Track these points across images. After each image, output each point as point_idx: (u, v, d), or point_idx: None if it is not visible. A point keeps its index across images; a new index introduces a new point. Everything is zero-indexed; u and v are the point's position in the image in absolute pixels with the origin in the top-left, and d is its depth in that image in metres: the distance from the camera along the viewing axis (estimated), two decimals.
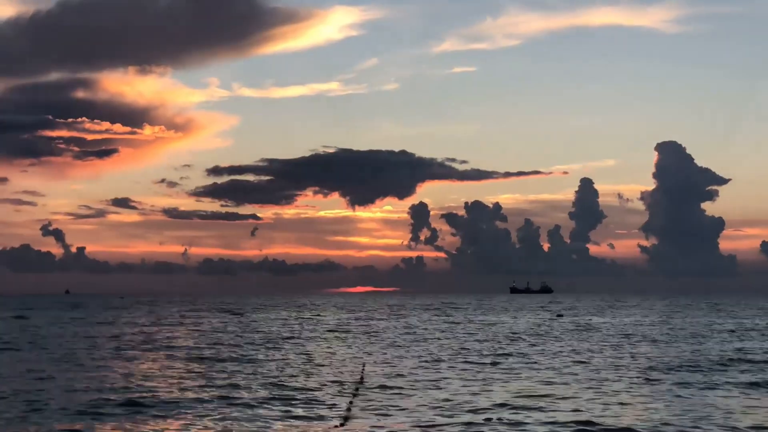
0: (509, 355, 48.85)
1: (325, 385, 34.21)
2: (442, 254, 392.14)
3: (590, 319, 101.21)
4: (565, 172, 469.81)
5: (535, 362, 44.16)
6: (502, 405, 28.58)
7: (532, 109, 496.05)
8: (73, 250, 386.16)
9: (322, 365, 42.54)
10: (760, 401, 30.40)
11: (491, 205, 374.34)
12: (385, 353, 50.00)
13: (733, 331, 74.68)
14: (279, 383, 34.64)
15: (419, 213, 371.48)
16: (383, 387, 33.41)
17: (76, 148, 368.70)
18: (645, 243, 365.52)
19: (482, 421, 25.73)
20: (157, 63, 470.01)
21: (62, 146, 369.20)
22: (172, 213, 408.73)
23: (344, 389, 32.63)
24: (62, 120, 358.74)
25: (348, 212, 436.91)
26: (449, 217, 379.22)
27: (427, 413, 26.89)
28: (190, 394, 31.32)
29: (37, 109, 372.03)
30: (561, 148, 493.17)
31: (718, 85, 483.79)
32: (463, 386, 33.60)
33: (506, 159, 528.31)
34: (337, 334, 70.93)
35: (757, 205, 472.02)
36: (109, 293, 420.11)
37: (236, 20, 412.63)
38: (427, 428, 24.63)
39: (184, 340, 61.98)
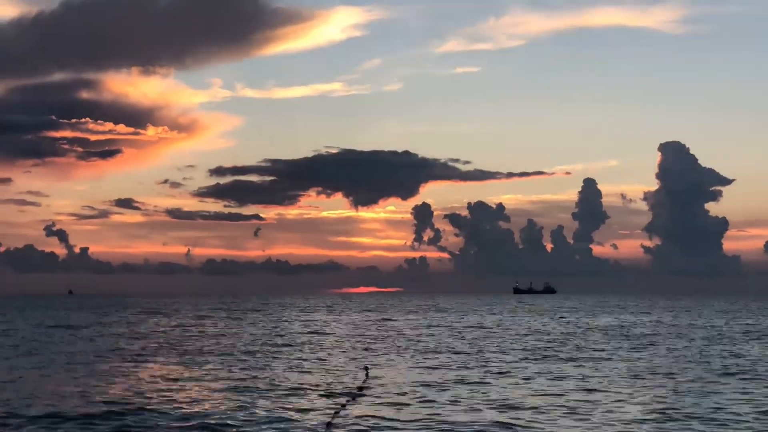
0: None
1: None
2: (445, 255, 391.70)
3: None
4: (568, 173, 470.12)
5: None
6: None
7: (535, 109, 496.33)
8: (77, 250, 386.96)
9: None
10: None
11: (494, 206, 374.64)
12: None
13: None
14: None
15: (422, 213, 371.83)
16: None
17: (79, 149, 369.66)
18: (648, 243, 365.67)
19: None
20: (161, 64, 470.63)
21: (66, 147, 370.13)
22: (176, 213, 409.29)
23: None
24: (66, 120, 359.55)
25: (351, 213, 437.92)
26: (452, 218, 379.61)
27: None
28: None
29: (41, 110, 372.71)
30: (564, 148, 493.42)
31: (722, 86, 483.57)
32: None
33: (509, 159, 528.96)
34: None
35: (761, 205, 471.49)
36: (113, 294, 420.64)
37: (239, 21, 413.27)
38: None
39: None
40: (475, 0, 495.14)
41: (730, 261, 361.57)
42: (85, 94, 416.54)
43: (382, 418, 26.57)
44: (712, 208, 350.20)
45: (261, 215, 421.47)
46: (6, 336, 69.33)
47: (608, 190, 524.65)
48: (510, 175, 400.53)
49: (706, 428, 25.48)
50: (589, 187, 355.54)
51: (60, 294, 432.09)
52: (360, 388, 32.65)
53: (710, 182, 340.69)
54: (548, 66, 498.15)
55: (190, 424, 25.94)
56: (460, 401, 29.92)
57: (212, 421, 26.17)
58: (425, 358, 46.58)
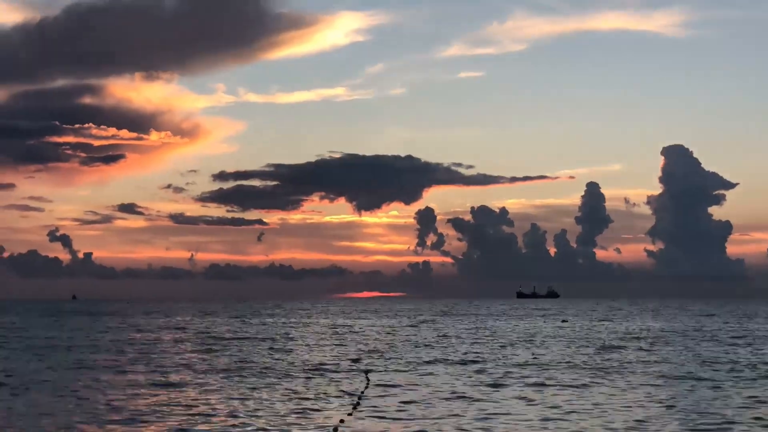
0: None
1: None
2: (448, 259, 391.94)
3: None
4: (572, 177, 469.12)
5: None
6: None
7: (538, 113, 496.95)
8: (80, 255, 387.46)
9: None
10: None
11: (498, 210, 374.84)
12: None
13: None
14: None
15: (426, 218, 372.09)
16: None
17: (82, 154, 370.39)
18: (652, 247, 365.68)
19: None
20: (164, 69, 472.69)
21: (69, 152, 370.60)
22: (179, 218, 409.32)
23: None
24: (69, 126, 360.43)
25: (354, 217, 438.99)
26: (455, 222, 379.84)
27: None
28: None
29: (44, 115, 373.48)
30: (567, 152, 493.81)
31: (725, 89, 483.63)
32: None
33: (512, 164, 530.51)
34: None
35: (765, 209, 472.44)
36: (116, 299, 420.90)
37: (242, 26, 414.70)
38: None
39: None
40: (479, 5, 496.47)
41: (734, 264, 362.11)
42: (88, 100, 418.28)
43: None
44: (716, 211, 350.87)
45: (264, 220, 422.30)
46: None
47: (611, 194, 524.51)
48: (513, 179, 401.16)
49: None
50: (593, 191, 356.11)
51: (64, 299, 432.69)
52: (360, 396, 32.60)
53: (713, 186, 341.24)
54: (551, 70, 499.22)
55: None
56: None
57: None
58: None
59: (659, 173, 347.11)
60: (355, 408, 29.89)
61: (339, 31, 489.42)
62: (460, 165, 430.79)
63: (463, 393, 33.79)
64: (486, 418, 27.72)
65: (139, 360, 50.42)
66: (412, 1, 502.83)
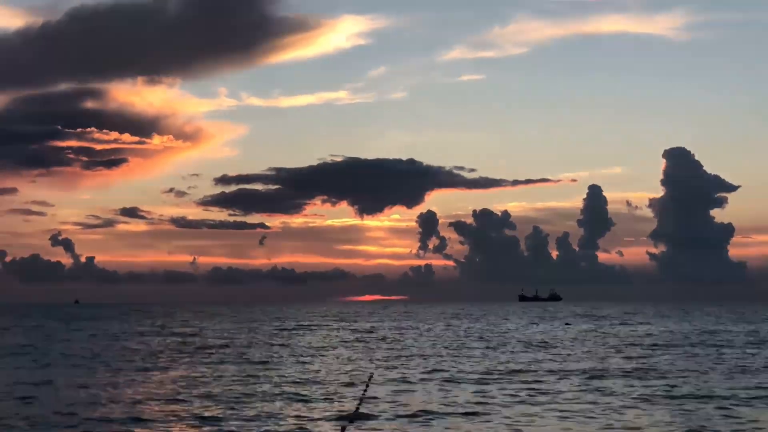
0: None
1: None
2: (450, 262, 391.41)
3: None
4: (574, 180, 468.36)
5: None
6: None
7: (540, 116, 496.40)
8: (83, 259, 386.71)
9: None
10: None
11: (499, 213, 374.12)
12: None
13: None
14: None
15: (427, 221, 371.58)
16: None
17: (85, 158, 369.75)
18: (654, 250, 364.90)
19: None
20: (166, 73, 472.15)
21: (71, 156, 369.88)
22: (181, 222, 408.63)
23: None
24: (71, 130, 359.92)
25: (356, 221, 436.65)
26: (457, 226, 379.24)
27: None
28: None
29: (46, 120, 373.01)
30: (569, 155, 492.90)
31: (727, 92, 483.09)
32: None
33: (514, 167, 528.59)
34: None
35: (767, 211, 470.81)
36: (119, 303, 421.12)
37: (244, 30, 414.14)
38: None
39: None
40: (480, 8, 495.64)
41: (736, 267, 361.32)
42: (90, 104, 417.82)
43: None
44: (718, 214, 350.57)
45: (266, 224, 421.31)
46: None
47: (613, 197, 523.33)
48: (515, 182, 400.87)
49: None
50: (594, 194, 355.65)
51: (66, 303, 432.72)
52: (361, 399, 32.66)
53: (715, 189, 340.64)
54: (553, 73, 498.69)
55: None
56: None
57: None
58: None
59: (661, 176, 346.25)
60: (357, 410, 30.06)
61: (341, 34, 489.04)
62: (462, 168, 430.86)
63: None
64: None
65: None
66: (414, 5, 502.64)
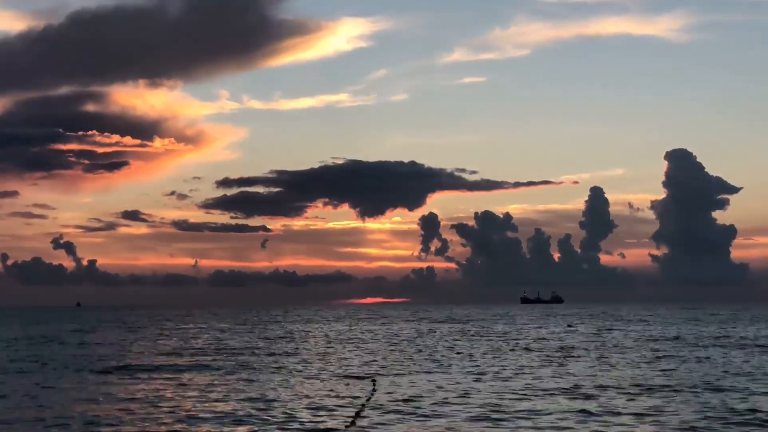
0: None
1: None
2: (452, 265, 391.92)
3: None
4: (575, 182, 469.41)
5: None
6: None
7: (541, 118, 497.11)
8: (85, 262, 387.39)
9: None
10: None
11: (501, 216, 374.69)
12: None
13: None
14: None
15: (429, 224, 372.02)
16: None
17: (86, 161, 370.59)
18: (656, 252, 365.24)
19: None
20: (168, 76, 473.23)
21: (73, 159, 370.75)
22: (182, 225, 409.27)
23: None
24: (73, 133, 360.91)
25: (358, 223, 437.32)
26: (459, 228, 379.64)
27: None
28: None
29: (48, 123, 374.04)
30: (571, 157, 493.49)
31: (729, 93, 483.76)
32: None
33: (516, 169, 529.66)
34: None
35: None
36: (121, 306, 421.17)
37: (245, 33, 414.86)
38: None
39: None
40: (481, 10, 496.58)
41: (738, 269, 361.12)
42: (91, 107, 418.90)
43: None
44: (720, 216, 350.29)
45: (268, 226, 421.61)
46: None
47: (615, 198, 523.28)
48: (517, 184, 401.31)
49: None
50: (596, 196, 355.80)
51: (68, 306, 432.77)
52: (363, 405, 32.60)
53: (717, 190, 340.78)
54: (554, 75, 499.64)
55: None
56: None
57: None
58: None
59: (663, 178, 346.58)
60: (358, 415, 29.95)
61: (341, 37, 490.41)
62: (463, 170, 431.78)
63: None
64: None
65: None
66: (414, 7, 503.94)
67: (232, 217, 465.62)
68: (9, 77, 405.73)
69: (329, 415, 29.85)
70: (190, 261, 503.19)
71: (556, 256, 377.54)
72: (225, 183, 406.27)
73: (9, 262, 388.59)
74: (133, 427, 27.78)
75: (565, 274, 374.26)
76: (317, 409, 31.48)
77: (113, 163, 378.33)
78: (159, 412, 31.00)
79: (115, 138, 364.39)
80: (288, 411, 31.00)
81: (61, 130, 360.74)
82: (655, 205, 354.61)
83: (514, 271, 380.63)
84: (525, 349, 64.70)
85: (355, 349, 66.26)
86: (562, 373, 44.37)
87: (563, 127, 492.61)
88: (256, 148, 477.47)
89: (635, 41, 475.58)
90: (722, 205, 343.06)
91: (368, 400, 33.53)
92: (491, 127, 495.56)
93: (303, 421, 28.72)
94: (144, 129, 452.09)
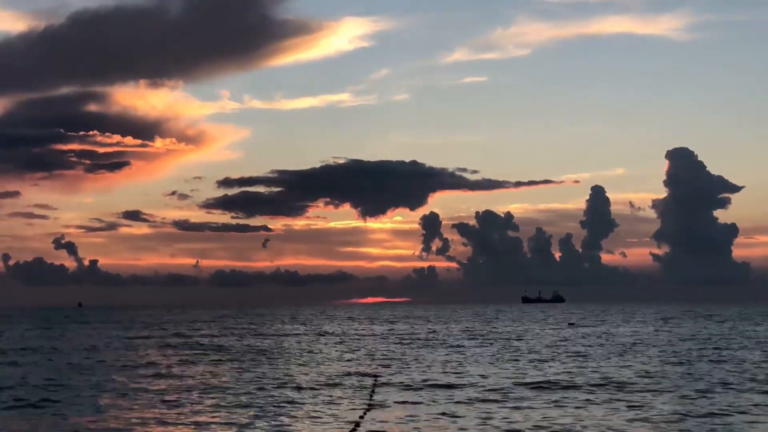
0: None
1: None
2: (453, 264, 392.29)
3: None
4: (576, 181, 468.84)
5: None
6: None
7: (542, 118, 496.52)
8: (86, 263, 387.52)
9: None
10: None
11: (502, 215, 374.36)
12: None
13: None
14: None
15: (430, 223, 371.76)
16: None
17: (87, 162, 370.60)
18: (657, 251, 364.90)
19: None
20: (169, 76, 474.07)
21: (74, 159, 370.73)
22: (183, 225, 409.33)
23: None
24: (74, 133, 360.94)
25: (359, 223, 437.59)
26: (460, 227, 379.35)
27: None
28: None
29: (49, 123, 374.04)
30: (572, 157, 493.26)
31: (730, 93, 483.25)
32: None
33: (517, 168, 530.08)
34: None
35: None
36: (122, 306, 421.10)
37: (247, 33, 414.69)
38: None
39: None
40: (482, 10, 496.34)
41: (740, 268, 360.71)
42: (93, 107, 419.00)
43: None
44: (721, 215, 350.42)
45: (269, 226, 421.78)
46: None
47: (616, 198, 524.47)
48: (518, 184, 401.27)
49: None
50: (597, 195, 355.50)
51: (70, 306, 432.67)
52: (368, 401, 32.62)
53: (719, 189, 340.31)
54: (555, 75, 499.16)
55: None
56: None
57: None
58: None
59: (664, 177, 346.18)
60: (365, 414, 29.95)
61: (343, 37, 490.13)
62: (464, 170, 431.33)
63: None
64: None
65: None
66: (416, 7, 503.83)
67: (233, 217, 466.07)
68: (10, 78, 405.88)
69: None
70: (192, 261, 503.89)
71: (558, 255, 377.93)
72: (226, 183, 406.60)
73: (10, 263, 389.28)
74: None
75: (567, 274, 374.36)
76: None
77: (114, 163, 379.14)
78: None
79: (116, 138, 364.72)
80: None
81: (62, 130, 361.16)
82: (656, 204, 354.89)
83: (515, 270, 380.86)
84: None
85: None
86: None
87: (564, 126, 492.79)
88: (257, 148, 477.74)
89: (637, 41, 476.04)
90: (723, 204, 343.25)
91: (371, 399, 33.40)
92: (492, 127, 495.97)
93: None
94: (145, 129, 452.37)
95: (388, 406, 31.73)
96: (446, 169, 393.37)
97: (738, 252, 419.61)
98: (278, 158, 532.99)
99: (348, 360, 54.75)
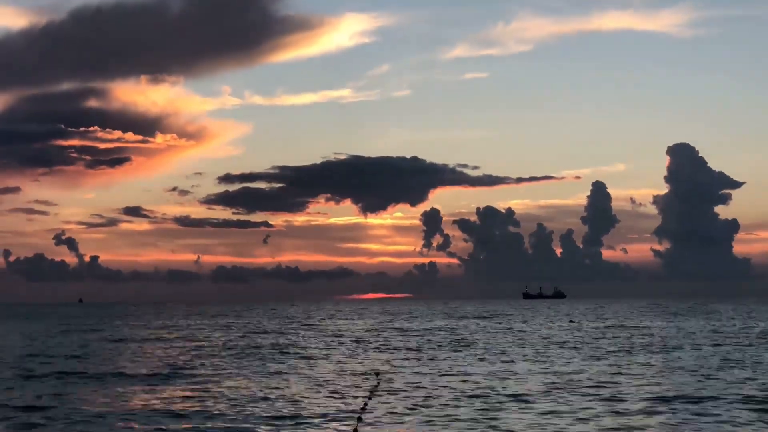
0: None
1: None
2: (454, 260, 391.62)
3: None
4: (577, 177, 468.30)
5: None
6: None
7: (543, 114, 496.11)
8: (86, 259, 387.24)
9: None
10: None
11: (503, 211, 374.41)
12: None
13: None
14: None
15: (431, 219, 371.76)
16: None
17: (88, 157, 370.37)
18: (658, 247, 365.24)
19: None
20: (170, 72, 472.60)
21: (74, 155, 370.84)
22: (184, 221, 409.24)
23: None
24: (74, 129, 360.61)
25: (360, 219, 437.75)
26: (461, 223, 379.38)
27: None
28: None
29: (50, 119, 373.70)
30: (573, 152, 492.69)
31: (730, 88, 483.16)
32: None
33: (518, 164, 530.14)
34: None
35: None
36: (123, 302, 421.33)
37: (248, 29, 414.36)
38: None
39: None
40: (483, 6, 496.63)
41: (740, 264, 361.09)
42: (93, 103, 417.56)
43: None
44: (722, 211, 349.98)
45: (270, 222, 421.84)
46: None
47: (617, 194, 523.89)
48: (519, 180, 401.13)
49: None
50: (599, 191, 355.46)
51: (70, 302, 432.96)
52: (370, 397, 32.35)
53: (720, 185, 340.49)
54: (556, 70, 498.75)
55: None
56: None
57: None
58: None
59: (665, 173, 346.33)
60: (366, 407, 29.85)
61: (344, 32, 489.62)
62: (465, 166, 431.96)
63: None
64: None
65: None
66: (416, 3, 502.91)
67: (234, 213, 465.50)
68: (11, 74, 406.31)
69: None
70: (192, 257, 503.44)
71: (558, 251, 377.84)
72: (227, 179, 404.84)
73: (11, 259, 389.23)
74: None
75: (567, 270, 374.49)
76: None
77: (115, 159, 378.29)
78: None
79: (117, 134, 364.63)
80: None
81: (62, 126, 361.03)
82: (657, 200, 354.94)
83: (516, 266, 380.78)
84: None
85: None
86: None
87: (565, 122, 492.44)
88: (258, 144, 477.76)
89: (637, 36, 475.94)
90: (724, 199, 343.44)
91: (372, 394, 33.32)
92: (493, 123, 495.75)
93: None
94: (146, 125, 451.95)
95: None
96: (447, 164, 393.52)
97: (739, 248, 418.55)
98: (279, 154, 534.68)
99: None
